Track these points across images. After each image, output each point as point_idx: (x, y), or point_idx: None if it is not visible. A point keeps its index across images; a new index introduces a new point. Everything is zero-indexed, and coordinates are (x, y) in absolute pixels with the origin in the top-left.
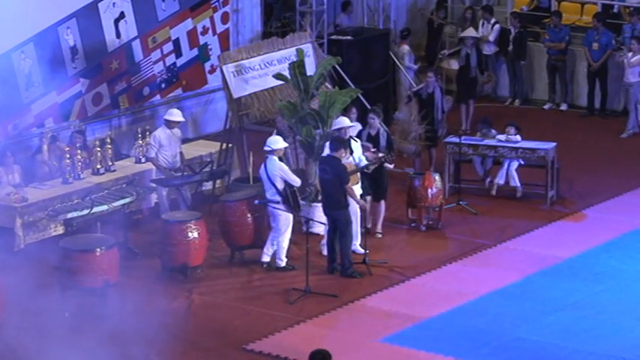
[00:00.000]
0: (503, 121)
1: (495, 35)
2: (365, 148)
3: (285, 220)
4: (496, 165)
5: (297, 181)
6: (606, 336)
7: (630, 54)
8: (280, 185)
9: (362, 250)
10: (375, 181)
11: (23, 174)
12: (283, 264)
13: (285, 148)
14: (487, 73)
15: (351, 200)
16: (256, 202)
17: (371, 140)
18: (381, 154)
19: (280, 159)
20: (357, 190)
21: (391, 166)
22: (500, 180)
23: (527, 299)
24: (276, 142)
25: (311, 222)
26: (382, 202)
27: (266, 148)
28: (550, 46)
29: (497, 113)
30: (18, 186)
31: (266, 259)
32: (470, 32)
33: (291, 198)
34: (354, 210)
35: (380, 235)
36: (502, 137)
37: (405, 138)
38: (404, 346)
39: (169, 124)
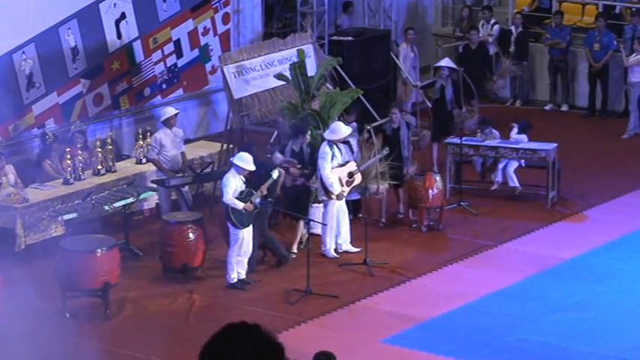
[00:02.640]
0: (504, 122)
1: (495, 36)
2: (290, 164)
3: (233, 234)
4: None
5: (225, 199)
6: (607, 337)
7: (633, 55)
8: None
9: (355, 249)
10: (296, 200)
11: (26, 176)
12: (231, 281)
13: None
14: (468, 108)
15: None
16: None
17: (295, 156)
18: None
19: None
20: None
21: (315, 186)
22: (498, 178)
23: (528, 300)
24: (245, 161)
25: (311, 223)
26: (301, 222)
27: (233, 160)
28: (550, 44)
29: (498, 114)
30: (17, 186)
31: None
32: (444, 62)
33: (231, 213)
34: (343, 209)
35: (294, 256)
36: (514, 134)
37: (365, 177)
38: (405, 347)
39: (167, 123)
